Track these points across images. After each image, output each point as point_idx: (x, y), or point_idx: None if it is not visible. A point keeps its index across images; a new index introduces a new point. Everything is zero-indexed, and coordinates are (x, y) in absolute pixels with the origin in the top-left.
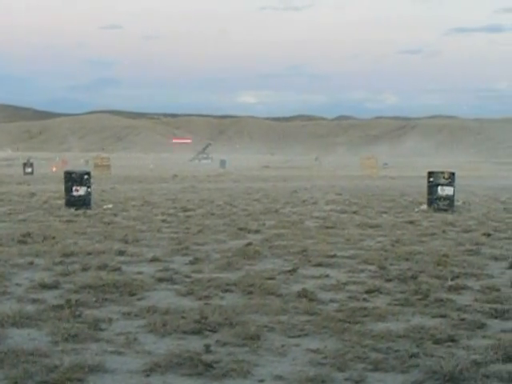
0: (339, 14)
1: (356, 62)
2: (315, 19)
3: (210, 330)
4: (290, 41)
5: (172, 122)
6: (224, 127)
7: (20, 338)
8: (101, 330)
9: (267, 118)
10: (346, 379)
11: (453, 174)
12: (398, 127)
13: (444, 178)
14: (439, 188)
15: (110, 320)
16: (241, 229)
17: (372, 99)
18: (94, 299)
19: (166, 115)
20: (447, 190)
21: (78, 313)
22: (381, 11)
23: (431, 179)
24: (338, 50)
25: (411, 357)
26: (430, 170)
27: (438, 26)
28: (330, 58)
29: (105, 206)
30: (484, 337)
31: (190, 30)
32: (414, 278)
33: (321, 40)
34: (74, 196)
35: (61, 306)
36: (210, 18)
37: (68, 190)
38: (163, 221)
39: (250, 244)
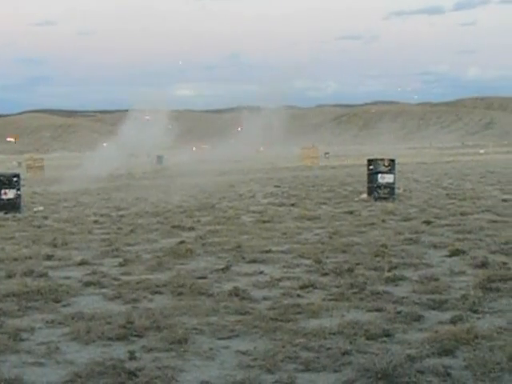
0: (277, 4)
1: (295, 50)
2: (252, 10)
3: (135, 335)
4: (227, 32)
5: (108, 118)
6: None
7: None
8: (22, 340)
9: (206, 111)
10: (275, 382)
11: (393, 160)
12: (339, 115)
13: (384, 165)
14: (379, 176)
15: (33, 329)
16: (174, 227)
17: (313, 87)
18: (17, 308)
19: (102, 112)
20: (387, 178)
21: None
22: None
23: (371, 167)
24: (277, 40)
25: (344, 354)
26: (371, 157)
27: (377, 11)
28: (268, 48)
29: (35, 209)
30: (420, 330)
31: (126, 25)
32: (350, 270)
33: (258, 30)
34: (2, 199)
35: None
36: (145, 13)
37: None
38: (95, 222)
39: (182, 242)
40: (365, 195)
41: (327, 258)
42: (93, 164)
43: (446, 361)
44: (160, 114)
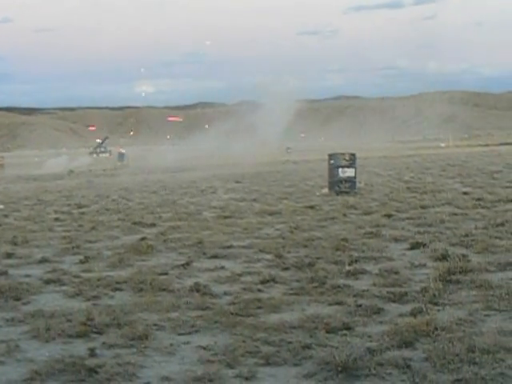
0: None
1: (255, 46)
2: (212, 6)
3: (96, 332)
4: (186, 28)
5: (69, 115)
6: (122, 119)
7: None
8: None
9: (166, 107)
10: (236, 376)
11: (353, 155)
12: (301, 110)
13: (345, 159)
14: (340, 170)
15: None
16: (135, 223)
17: (273, 83)
18: None
19: (62, 109)
20: (348, 172)
21: None
22: None
23: (332, 161)
24: (236, 36)
25: (304, 348)
26: (331, 152)
27: (336, 6)
28: (227, 44)
29: None
30: (380, 322)
31: (84, 22)
32: (311, 265)
33: (218, 26)
34: None
35: None
36: (104, 9)
37: None
38: (56, 219)
39: (143, 239)
40: (326, 190)
41: (288, 252)
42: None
43: (406, 353)
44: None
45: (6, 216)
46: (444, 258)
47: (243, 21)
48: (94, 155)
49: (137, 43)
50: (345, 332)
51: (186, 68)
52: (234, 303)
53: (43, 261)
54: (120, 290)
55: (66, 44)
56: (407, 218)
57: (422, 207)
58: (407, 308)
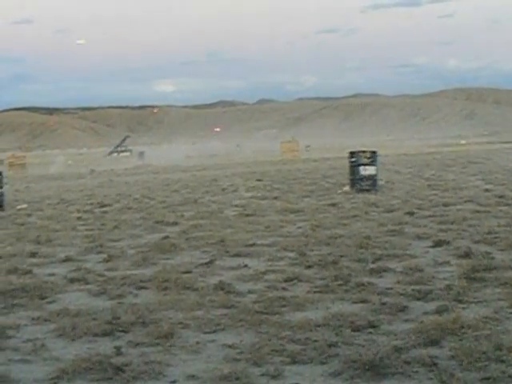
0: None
1: (274, 45)
2: (233, 5)
3: (121, 331)
4: (206, 27)
5: (89, 115)
6: (142, 118)
7: None
8: (8, 337)
9: (186, 106)
10: (262, 374)
11: (374, 152)
12: (319, 108)
13: (366, 157)
14: (361, 168)
15: (18, 326)
16: (158, 222)
17: (292, 81)
18: (3, 305)
19: (83, 109)
20: (369, 170)
21: None
22: None
23: (353, 159)
24: (255, 35)
25: (330, 346)
26: (352, 150)
27: (355, 4)
28: (247, 42)
29: (19, 207)
30: (406, 321)
31: (103, 24)
32: (334, 263)
33: (238, 26)
34: None
35: None
36: (124, 8)
37: None
38: (78, 218)
39: (166, 237)
40: (347, 187)
41: (311, 250)
42: None
43: (433, 351)
44: None
45: (29, 215)
46: (467, 255)
47: (263, 20)
48: (115, 154)
49: (157, 43)
50: (370, 330)
51: (206, 67)
52: (258, 301)
53: (67, 260)
54: (144, 288)
55: (86, 45)
56: (429, 216)
57: (444, 205)
58: (432, 306)
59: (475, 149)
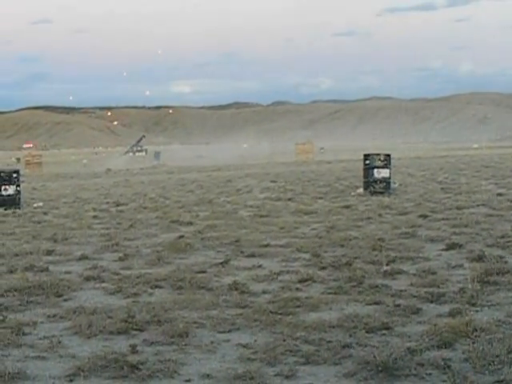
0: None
1: (289, 47)
2: (248, 7)
3: (137, 329)
4: (222, 29)
5: (106, 115)
6: (159, 118)
7: None
8: (24, 334)
9: (202, 107)
10: (276, 374)
11: (388, 155)
12: (334, 111)
13: (380, 160)
14: (375, 171)
15: (35, 323)
16: (173, 221)
17: (307, 83)
18: (19, 302)
19: (100, 109)
20: (383, 173)
21: (1, 318)
22: None
23: (367, 162)
24: (272, 37)
25: (344, 347)
26: (366, 152)
27: (371, 8)
28: (262, 44)
29: (35, 205)
30: (419, 323)
31: (121, 24)
32: (348, 264)
33: (254, 27)
34: (2, 195)
35: None
36: (139, 11)
37: None
38: (94, 217)
39: (181, 237)
40: (361, 190)
41: (325, 252)
42: None
43: (446, 353)
44: None
45: (45, 213)
46: (480, 258)
47: (279, 21)
48: (131, 154)
49: (173, 44)
50: (384, 332)
51: (222, 69)
52: (272, 302)
53: (83, 258)
54: (159, 287)
55: (104, 45)
56: (442, 219)
57: (457, 208)
58: (445, 308)
59: (488, 153)
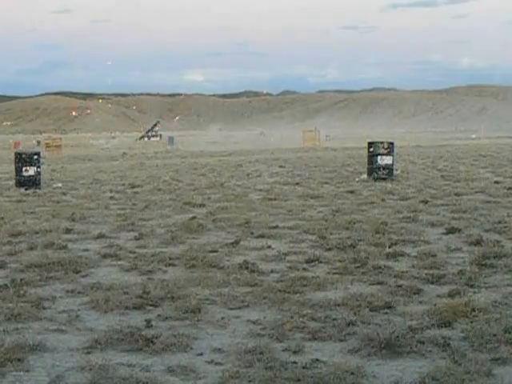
0: None
1: (298, 39)
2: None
3: (151, 305)
4: (235, 19)
5: (122, 101)
6: (173, 105)
7: None
8: (44, 308)
9: (214, 95)
10: (285, 349)
11: (392, 143)
12: (339, 100)
13: (383, 147)
14: (379, 158)
15: (54, 298)
16: (186, 203)
17: (314, 74)
18: (39, 278)
19: (116, 95)
20: (386, 160)
21: (22, 292)
22: None
23: (371, 149)
24: (282, 29)
25: (348, 325)
26: (370, 140)
27: (375, 3)
28: (272, 36)
29: (54, 186)
30: (420, 302)
31: (137, 14)
32: (352, 246)
33: (265, 19)
34: (23, 176)
35: (5, 286)
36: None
37: (18, 171)
38: (111, 198)
39: (194, 218)
40: (365, 176)
41: (331, 234)
42: None
43: (445, 332)
44: None
45: (64, 194)
46: (478, 242)
47: (289, 14)
48: (146, 139)
49: (189, 34)
50: (386, 311)
51: (234, 58)
52: (281, 281)
53: (100, 236)
54: (173, 265)
55: (121, 34)
56: (442, 205)
57: (456, 194)
58: (445, 289)
59: (485, 143)
